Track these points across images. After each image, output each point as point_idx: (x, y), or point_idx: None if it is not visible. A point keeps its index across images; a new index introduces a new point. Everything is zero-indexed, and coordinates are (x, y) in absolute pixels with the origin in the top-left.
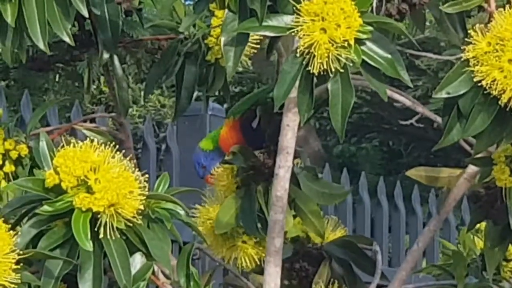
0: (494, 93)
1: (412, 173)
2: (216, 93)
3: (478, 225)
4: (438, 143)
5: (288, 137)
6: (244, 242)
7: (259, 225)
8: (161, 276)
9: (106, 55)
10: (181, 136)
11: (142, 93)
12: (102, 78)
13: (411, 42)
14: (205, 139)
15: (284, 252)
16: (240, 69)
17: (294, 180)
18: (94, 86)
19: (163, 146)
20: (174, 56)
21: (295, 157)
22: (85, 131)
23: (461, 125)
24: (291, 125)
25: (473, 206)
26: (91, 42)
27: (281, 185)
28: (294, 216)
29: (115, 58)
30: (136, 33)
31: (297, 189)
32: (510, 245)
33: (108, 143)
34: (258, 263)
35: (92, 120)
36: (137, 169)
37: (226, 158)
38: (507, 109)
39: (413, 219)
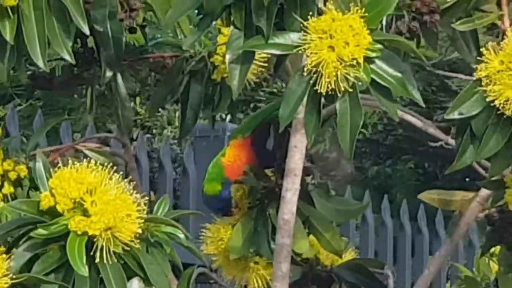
0: (508, 113)
1: (425, 196)
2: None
3: (493, 249)
4: (451, 166)
5: (296, 159)
6: (256, 263)
7: (273, 247)
8: None
9: (109, 73)
10: (198, 157)
11: (177, 113)
12: (137, 99)
13: (443, 63)
14: (207, 182)
15: (293, 275)
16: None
17: (307, 198)
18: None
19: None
20: (180, 75)
21: (307, 175)
22: (86, 152)
23: (475, 147)
24: (299, 146)
25: (485, 229)
26: (94, 60)
27: (288, 208)
28: (308, 234)
29: (119, 76)
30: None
31: (311, 207)
32: None
33: (109, 164)
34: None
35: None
36: (152, 192)
37: (238, 178)
38: None
39: (437, 242)
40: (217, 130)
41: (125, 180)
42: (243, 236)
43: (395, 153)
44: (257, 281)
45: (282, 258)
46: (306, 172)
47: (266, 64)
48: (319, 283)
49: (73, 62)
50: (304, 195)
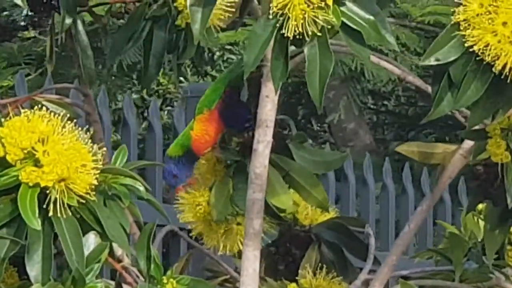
0: (487, 59)
1: (403, 148)
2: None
3: (481, 207)
4: (428, 115)
5: (268, 109)
6: (239, 224)
7: None
8: (126, 260)
9: (68, 20)
10: (191, 118)
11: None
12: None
13: None
14: (172, 145)
15: (270, 235)
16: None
17: (285, 152)
18: None
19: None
20: (142, 21)
21: (283, 128)
22: (45, 103)
23: (453, 95)
24: (270, 96)
25: (471, 186)
26: (52, 7)
27: (260, 162)
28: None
29: (79, 23)
30: None
31: (289, 160)
32: None
33: (70, 116)
34: None
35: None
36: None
37: (217, 154)
38: (502, 77)
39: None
40: None
41: (80, 129)
42: (224, 196)
43: (417, 125)
44: (241, 244)
45: (254, 214)
46: (282, 125)
47: (233, 9)
48: (297, 244)
49: (24, 6)
50: (282, 149)
